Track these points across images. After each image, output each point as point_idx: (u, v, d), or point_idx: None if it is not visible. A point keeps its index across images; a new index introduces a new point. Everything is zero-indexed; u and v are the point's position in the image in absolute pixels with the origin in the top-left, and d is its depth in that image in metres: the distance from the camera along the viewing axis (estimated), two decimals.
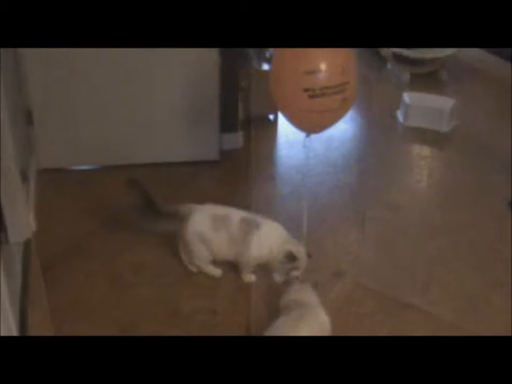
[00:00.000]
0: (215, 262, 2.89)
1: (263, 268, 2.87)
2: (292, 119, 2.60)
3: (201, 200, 2.92)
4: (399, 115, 4.60)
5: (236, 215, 2.79)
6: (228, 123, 3.92)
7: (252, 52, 4.23)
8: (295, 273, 2.72)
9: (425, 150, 4.26)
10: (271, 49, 4.33)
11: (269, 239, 2.75)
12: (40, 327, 2.58)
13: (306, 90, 2.37)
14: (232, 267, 2.90)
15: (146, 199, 2.83)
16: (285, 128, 4.38)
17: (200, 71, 3.55)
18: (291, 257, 2.70)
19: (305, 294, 2.53)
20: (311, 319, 2.37)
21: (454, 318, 2.71)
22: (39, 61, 3.36)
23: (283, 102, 2.52)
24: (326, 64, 2.40)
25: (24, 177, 3.06)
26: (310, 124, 2.59)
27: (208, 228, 2.76)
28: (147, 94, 3.57)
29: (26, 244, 3.06)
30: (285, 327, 2.31)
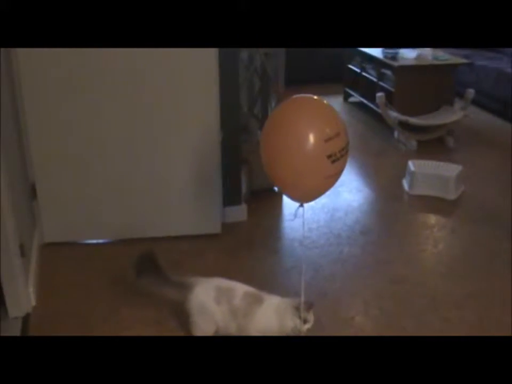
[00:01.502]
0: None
1: None
2: (308, 188, 2.55)
3: (203, 274, 2.89)
4: (405, 183, 4.59)
5: (240, 288, 2.77)
6: (231, 196, 3.94)
7: (254, 124, 4.28)
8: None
9: (430, 219, 4.22)
10: None
11: (273, 312, 2.71)
12: None
13: (329, 156, 2.38)
14: None
15: (156, 268, 2.85)
16: (289, 199, 4.38)
17: (202, 144, 3.59)
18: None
19: None
20: None
21: None
22: (42, 133, 3.44)
23: (305, 173, 2.49)
24: (339, 126, 2.44)
25: (23, 252, 3.08)
26: (321, 190, 2.58)
27: (211, 300, 2.74)
28: (151, 168, 3.61)
29: (25, 319, 3.05)
30: None
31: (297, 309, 2.66)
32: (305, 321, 2.66)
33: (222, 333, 2.83)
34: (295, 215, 2.61)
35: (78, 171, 3.57)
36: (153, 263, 2.87)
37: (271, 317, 2.71)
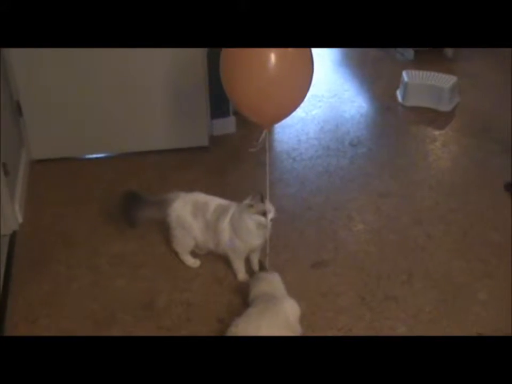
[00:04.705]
0: (199, 254, 2.91)
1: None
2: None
3: (189, 187, 2.89)
4: (398, 94, 4.49)
5: (213, 202, 2.77)
6: (219, 108, 3.86)
7: None
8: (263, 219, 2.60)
9: (422, 131, 4.14)
10: None
11: (229, 221, 2.70)
12: (18, 318, 2.60)
13: None
14: (212, 260, 2.87)
15: (137, 199, 2.87)
16: None
17: (187, 55, 3.48)
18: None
19: (272, 285, 2.49)
20: (274, 312, 2.31)
21: (434, 313, 2.62)
22: (25, 53, 3.32)
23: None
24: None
25: (7, 170, 3.06)
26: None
27: (189, 214, 2.76)
28: (134, 81, 3.54)
29: (12, 236, 3.07)
30: (249, 321, 2.27)
31: (251, 206, 2.61)
32: (264, 214, 2.59)
33: (203, 247, 2.84)
34: (259, 143, 2.59)
35: (63, 87, 3.49)
36: (135, 197, 2.88)
37: (227, 225, 2.69)
